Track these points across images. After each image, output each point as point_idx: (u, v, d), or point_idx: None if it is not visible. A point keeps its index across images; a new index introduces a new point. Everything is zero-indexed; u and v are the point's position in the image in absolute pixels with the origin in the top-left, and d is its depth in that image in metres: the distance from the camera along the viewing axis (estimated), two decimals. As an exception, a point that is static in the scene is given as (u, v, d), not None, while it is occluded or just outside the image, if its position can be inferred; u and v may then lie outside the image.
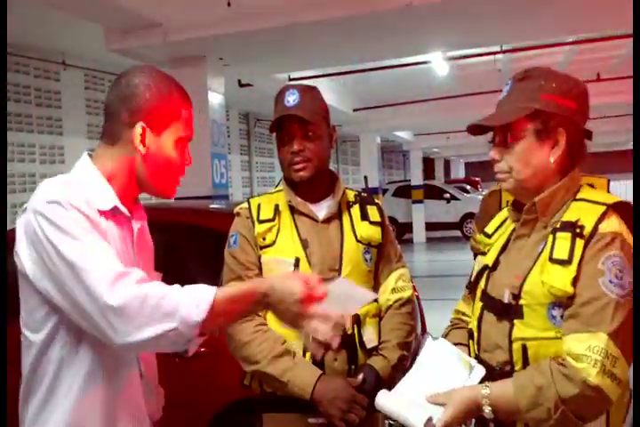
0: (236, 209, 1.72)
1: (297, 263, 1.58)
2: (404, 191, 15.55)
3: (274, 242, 1.62)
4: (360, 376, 1.52)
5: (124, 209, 1.22)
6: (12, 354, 1.30)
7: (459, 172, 28.62)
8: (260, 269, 1.62)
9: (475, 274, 1.38)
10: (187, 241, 2.96)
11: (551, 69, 1.29)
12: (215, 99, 5.28)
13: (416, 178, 15.64)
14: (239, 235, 1.65)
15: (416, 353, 1.35)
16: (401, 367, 1.61)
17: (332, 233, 1.65)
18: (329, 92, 8.37)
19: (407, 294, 1.70)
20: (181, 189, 4.81)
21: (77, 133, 6.83)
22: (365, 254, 1.66)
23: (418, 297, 2.94)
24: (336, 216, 1.68)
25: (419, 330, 2.79)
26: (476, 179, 21.31)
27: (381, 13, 4.30)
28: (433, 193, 15.30)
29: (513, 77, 1.29)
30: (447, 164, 26.16)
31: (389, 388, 1.29)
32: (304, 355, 1.54)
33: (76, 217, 1.09)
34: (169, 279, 3.06)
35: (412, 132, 14.88)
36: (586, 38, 6.79)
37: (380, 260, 1.71)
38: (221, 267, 2.70)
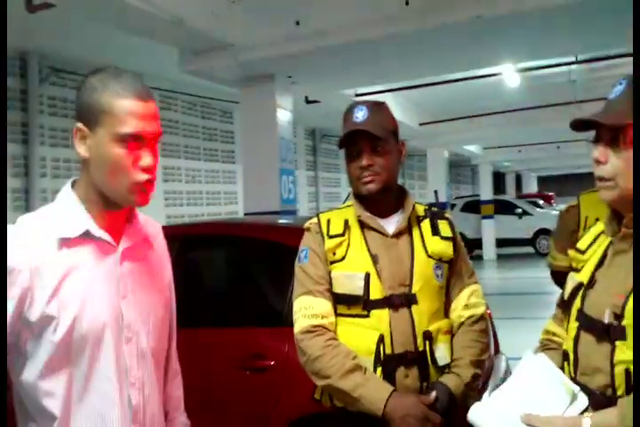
0: (306, 224, 1.73)
1: (367, 278, 1.57)
2: (472, 206, 15.24)
3: (344, 257, 1.61)
4: (433, 394, 1.49)
5: (98, 233, 1.14)
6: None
7: (530, 186, 27.80)
8: (331, 283, 1.61)
9: (568, 292, 1.31)
10: (257, 255, 2.99)
11: None
12: (283, 116, 5.37)
13: (485, 193, 15.30)
14: (309, 250, 1.66)
15: (489, 373, 1.29)
16: (474, 386, 1.57)
17: (402, 248, 1.63)
18: (394, 106, 8.33)
19: (480, 310, 1.66)
20: (251, 205, 4.91)
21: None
22: (437, 270, 1.63)
23: (490, 315, 2.86)
24: (406, 231, 1.66)
25: (492, 349, 2.70)
26: (550, 194, 20.65)
27: (451, 26, 4.26)
28: (504, 208, 14.91)
29: (627, 76, 1.20)
30: (518, 178, 25.48)
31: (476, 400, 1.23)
32: (375, 370, 1.52)
33: None
34: (240, 292, 3.10)
35: (482, 145, 14.60)
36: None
37: (451, 276, 1.68)
38: (289, 281, 2.74)
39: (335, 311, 1.60)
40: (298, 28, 4.50)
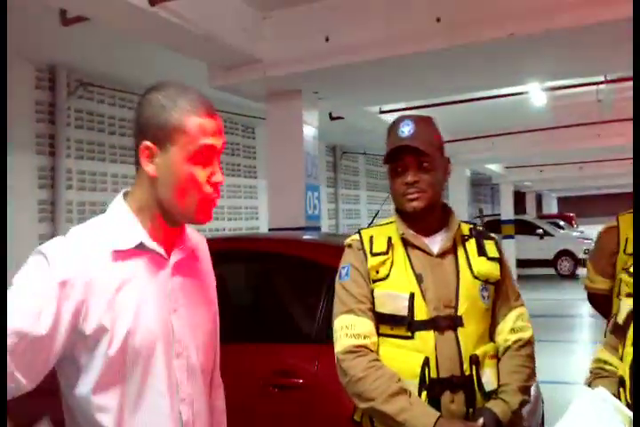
0: (347, 241, 1.69)
1: (412, 299, 1.52)
2: (492, 226, 15.05)
3: (387, 276, 1.57)
4: (480, 421, 1.42)
5: (151, 245, 1.13)
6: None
7: (551, 206, 27.54)
8: (373, 302, 1.56)
9: (623, 317, 1.25)
10: (288, 271, 2.96)
11: None
12: (309, 131, 5.36)
13: (506, 212, 15.15)
14: (351, 267, 1.61)
15: None
16: (521, 413, 1.50)
17: (448, 268, 1.58)
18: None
19: (527, 334, 1.60)
20: (275, 220, 4.88)
21: (176, 166, 7.09)
22: (483, 292, 1.57)
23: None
24: (451, 251, 1.61)
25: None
26: (571, 214, 20.40)
27: (481, 44, 4.23)
28: (524, 228, 14.76)
29: None
30: (539, 198, 25.26)
31: None
32: (420, 394, 1.46)
33: (35, 269, 1.05)
34: (269, 308, 3.05)
35: (503, 164, 14.50)
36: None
37: (497, 298, 1.62)
38: (320, 298, 2.70)
39: (377, 331, 1.55)
40: (327, 44, 4.50)
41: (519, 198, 20.35)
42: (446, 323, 1.50)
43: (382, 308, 1.54)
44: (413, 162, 1.57)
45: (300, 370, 2.49)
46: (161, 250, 1.15)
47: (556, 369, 5.31)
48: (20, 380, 0.99)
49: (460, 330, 1.50)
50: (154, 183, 1.13)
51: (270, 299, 2.96)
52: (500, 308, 1.62)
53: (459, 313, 1.51)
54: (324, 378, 2.43)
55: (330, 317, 2.46)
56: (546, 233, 14.70)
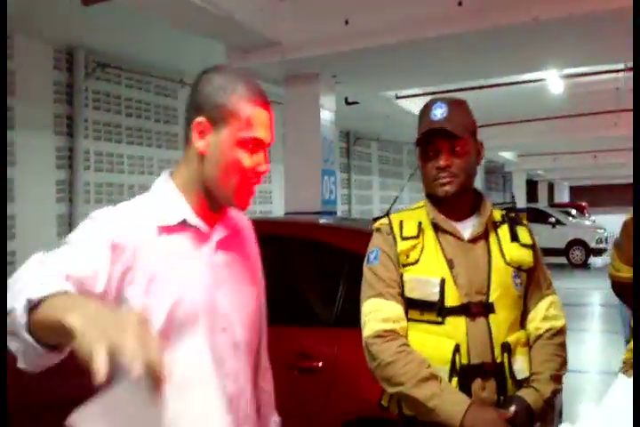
0: (376, 225, 1.67)
1: (442, 284, 1.51)
2: (504, 214, 15.00)
3: (417, 260, 1.55)
4: (512, 409, 1.42)
5: (195, 221, 1.16)
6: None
7: (562, 195, 27.36)
8: (402, 287, 1.55)
9: None
10: (309, 255, 2.96)
11: None
12: (326, 116, 5.33)
13: (519, 200, 15.07)
14: (380, 251, 1.60)
15: None
16: (553, 402, 1.50)
17: (479, 254, 1.56)
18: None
19: (560, 323, 1.58)
20: (292, 205, 4.90)
21: (191, 148, 7.08)
22: (515, 278, 1.55)
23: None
24: (482, 236, 1.59)
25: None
26: (583, 204, 20.26)
27: (504, 29, 4.17)
28: (537, 217, 14.65)
29: None
30: (551, 186, 25.09)
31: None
32: (450, 381, 1.45)
33: (90, 228, 1.08)
34: (290, 291, 3.06)
35: (517, 152, 14.40)
36: None
37: (529, 285, 1.60)
38: (341, 281, 2.70)
39: (406, 316, 1.55)
40: (346, 28, 4.46)
41: (531, 187, 20.24)
42: (478, 309, 1.49)
43: (412, 293, 1.53)
44: (446, 146, 1.54)
45: (319, 353, 2.51)
46: (204, 226, 1.17)
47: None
48: None
49: (491, 317, 1.49)
50: (201, 160, 1.16)
51: (290, 283, 2.97)
52: (532, 295, 1.60)
53: (490, 300, 1.50)
54: (343, 362, 2.45)
55: (349, 301, 2.47)
56: (558, 222, 14.60)
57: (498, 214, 1.66)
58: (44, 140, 5.40)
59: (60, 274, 0.97)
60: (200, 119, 1.14)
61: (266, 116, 1.17)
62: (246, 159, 1.14)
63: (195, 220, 1.17)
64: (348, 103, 7.28)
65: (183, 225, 1.15)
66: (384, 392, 1.56)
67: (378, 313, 1.52)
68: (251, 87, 1.16)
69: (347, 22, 4.50)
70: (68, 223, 5.51)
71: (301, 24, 4.62)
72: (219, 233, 1.20)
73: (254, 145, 1.15)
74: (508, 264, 1.55)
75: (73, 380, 1.64)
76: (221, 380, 1.14)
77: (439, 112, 1.56)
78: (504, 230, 1.61)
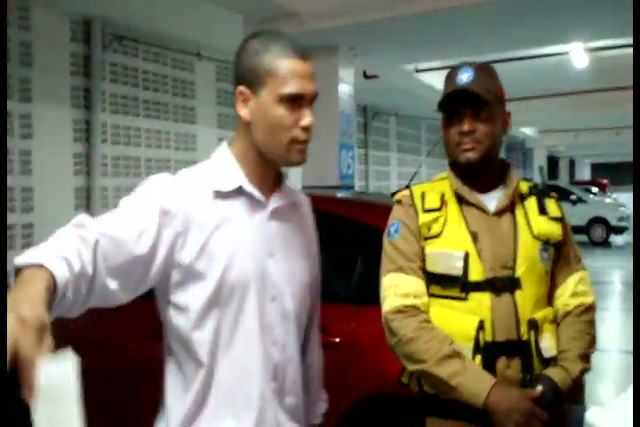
0: (397, 196, 1.61)
1: (466, 258, 1.45)
2: (524, 191, 14.82)
3: (440, 233, 1.49)
4: (538, 388, 1.36)
5: (250, 189, 1.17)
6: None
7: (583, 173, 26.97)
8: (423, 261, 1.51)
9: None
10: (326, 229, 2.92)
11: None
12: (345, 89, 5.24)
13: (538, 177, 14.87)
14: (401, 223, 1.54)
15: None
16: (581, 382, 1.45)
17: (505, 227, 1.50)
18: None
19: (589, 299, 1.52)
20: (309, 179, 4.85)
21: (209, 122, 7.07)
22: (542, 253, 1.49)
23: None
24: (508, 209, 1.52)
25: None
26: (604, 181, 19.94)
27: None
28: (557, 194, 14.43)
29: None
30: (572, 163, 24.72)
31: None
32: (473, 358, 1.41)
33: (141, 194, 1.11)
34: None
35: (538, 128, 14.15)
36: None
37: (557, 260, 1.54)
38: (359, 256, 2.66)
39: (427, 292, 1.50)
40: (367, -3, 4.35)
41: (552, 164, 19.94)
42: (503, 285, 1.43)
43: (434, 267, 1.48)
44: (470, 110, 1.47)
45: (336, 329, 2.48)
46: (259, 194, 1.18)
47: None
48: (112, 287, 1.01)
49: (517, 292, 1.43)
50: (249, 129, 1.17)
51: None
52: (561, 271, 1.54)
53: (516, 275, 1.44)
54: (360, 338, 2.42)
55: (368, 276, 2.43)
56: (579, 199, 14.36)
57: (525, 186, 1.59)
58: (61, 112, 5.38)
59: (91, 235, 0.98)
60: (240, 88, 1.15)
61: (302, 68, 1.14)
62: (288, 116, 1.13)
63: (250, 187, 1.17)
64: (366, 77, 7.16)
65: (238, 192, 1.17)
66: (404, 369, 1.52)
67: (398, 288, 1.48)
68: (284, 43, 1.15)
69: (367, -8, 4.38)
70: (86, 196, 5.53)
71: (320, -7, 4.51)
72: (274, 202, 1.21)
73: (294, 100, 1.13)
74: (535, 238, 1.49)
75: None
76: (268, 347, 1.17)
77: (465, 76, 1.49)
78: (531, 203, 1.55)
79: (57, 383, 0.71)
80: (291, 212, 1.26)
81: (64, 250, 0.92)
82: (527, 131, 13.60)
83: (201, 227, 1.11)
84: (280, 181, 1.25)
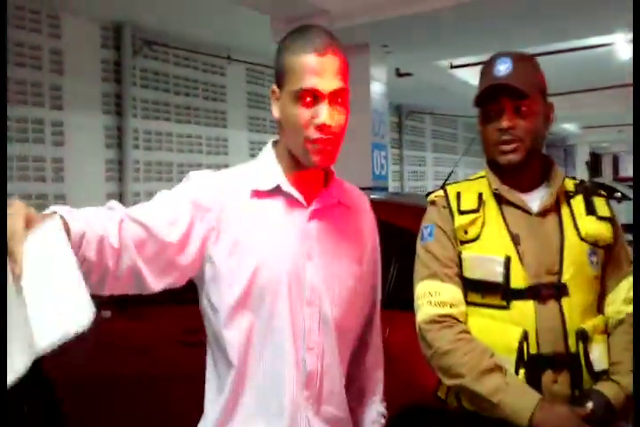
0: (431, 197, 1.50)
1: (507, 263, 1.33)
2: (566, 189, 14.41)
3: (478, 236, 1.38)
4: (589, 405, 1.24)
5: (289, 189, 1.13)
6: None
7: (628, 169, 26.14)
8: (460, 266, 1.38)
9: None
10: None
11: None
12: (377, 88, 5.14)
13: (582, 175, 14.44)
14: (435, 226, 1.43)
15: None
16: None
17: (549, 228, 1.37)
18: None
19: None
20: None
21: (240, 126, 7.03)
22: (591, 256, 1.36)
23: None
24: (553, 209, 1.40)
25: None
26: (650, 177, 19.23)
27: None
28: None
29: None
30: (615, 160, 24.00)
31: None
32: (517, 373, 1.29)
33: (179, 187, 1.12)
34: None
35: (580, 124, 13.74)
36: None
37: (608, 263, 1.40)
38: (392, 260, 2.55)
39: (465, 299, 1.38)
40: (398, -8, 4.23)
41: (595, 160, 19.39)
42: (548, 292, 1.32)
43: (472, 273, 1.37)
44: (510, 105, 1.36)
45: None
46: (297, 195, 1.14)
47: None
48: (143, 272, 1.02)
49: (564, 300, 1.32)
50: (281, 127, 1.15)
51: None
52: (612, 275, 1.41)
53: (563, 280, 1.32)
54: (394, 346, 2.31)
55: (401, 281, 2.31)
56: (624, 197, 13.85)
57: (570, 184, 1.46)
58: (92, 119, 5.42)
59: (116, 215, 1.01)
60: (273, 87, 1.14)
61: (317, 63, 1.07)
62: (304, 113, 1.08)
63: (288, 186, 1.14)
64: (399, 75, 7.02)
65: (277, 191, 1.13)
66: (441, 383, 1.41)
67: (433, 296, 1.37)
68: (305, 38, 1.09)
69: (398, -14, 4.26)
70: (118, 202, 5.52)
71: (350, -10, 4.41)
72: (316, 203, 1.16)
73: (308, 96, 1.07)
74: (582, 240, 1.36)
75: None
76: (302, 353, 1.12)
77: (503, 67, 1.38)
78: (578, 202, 1.42)
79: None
80: (339, 213, 1.20)
81: (86, 216, 0.95)
82: (569, 127, 13.22)
83: (235, 224, 1.10)
84: (328, 180, 1.21)
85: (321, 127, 1.07)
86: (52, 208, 0.93)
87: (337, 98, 1.09)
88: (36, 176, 4.92)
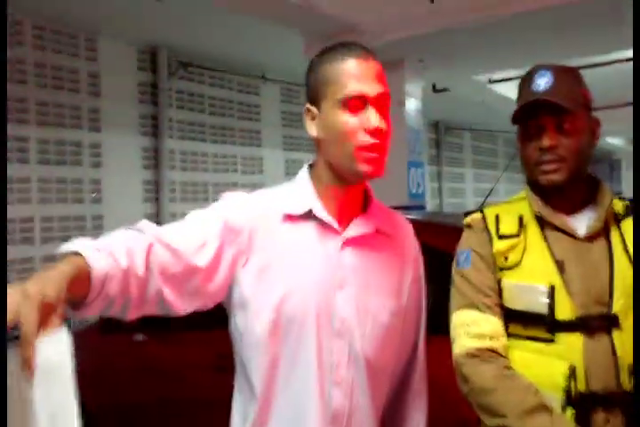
0: (467, 220, 1.41)
1: (552, 292, 1.22)
2: (612, 204, 13.97)
3: (519, 263, 1.28)
4: None
5: (321, 214, 1.09)
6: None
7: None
8: (500, 294, 1.28)
9: None
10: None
11: None
12: (412, 104, 5.06)
13: (628, 190, 13.98)
14: (472, 252, 1.34)
15: None
16: None
17: (598, 255, 1.26)
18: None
19: None
20: (377, 198, 4.61)
21: (275, 145, 7.04)
22: None
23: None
24: (602, 233, 1.29)
25: None
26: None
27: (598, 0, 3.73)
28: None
29: None
30: (663, 174, 23.21)
31: None
32: (564, 412, 1.17)
33: (211, 208, 1.10)
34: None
35: (626, 138, 13.33)
36: None
37: None
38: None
39: (506, 331, 1.28)
40: (432, 6, 4.16)
41: (641, 174, 18.77)
42: (598, 324, 1.21)
43: (513, 303, 1.27)
44: (551, 121, 1.27)
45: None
46: (331, 220, 1.10)
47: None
48: (169, 297, 0.99)
49: (615, 333, 1.20)
50: (320, 146, 1.11)
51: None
52: None
53: (613, 311, 1.21)
54: (428, 373, 2.19)
55: (435, 306, 2.20)
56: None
57: (620, 205, 1.34)
58: (129, 140, 5.48)
59: (145, 239, 0.98)
60: (307, 106, 1.11)
61: (360, 67, 1.05)
62: (350, 120, 1.04)
63: (321, 211, 1.10)
64: (436, 90, 6.93)
65: (309, 216, 1.10)
66: (480, 422, 1.30)
67: (471, 327, 1.28)
68: (344, 47, 1.08)
69: (432, 0, 4.18)
70: (155, 222, 5.54)
71: (384, 6, 4.36)
72: (351, 230, 1.11)
73: (354, 102, 1.04)
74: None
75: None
76: (328, 387, 1.06)
77: (543, 81, 1.29)
78: (628, 225, 1.31)
79: (54, 361, 0.72)
80: (377, 240, 1.14)
81: (111, 245, 0.91)
82: (614, 141, 12.83)
83: (264, 249, 1.06)
84: (367, 205, 1.16)
85: (373, 132, 1.04)
86: (75, 247, 0.87)
87: (381, 103, 1.07)
88: (73, 198, 4.98)
